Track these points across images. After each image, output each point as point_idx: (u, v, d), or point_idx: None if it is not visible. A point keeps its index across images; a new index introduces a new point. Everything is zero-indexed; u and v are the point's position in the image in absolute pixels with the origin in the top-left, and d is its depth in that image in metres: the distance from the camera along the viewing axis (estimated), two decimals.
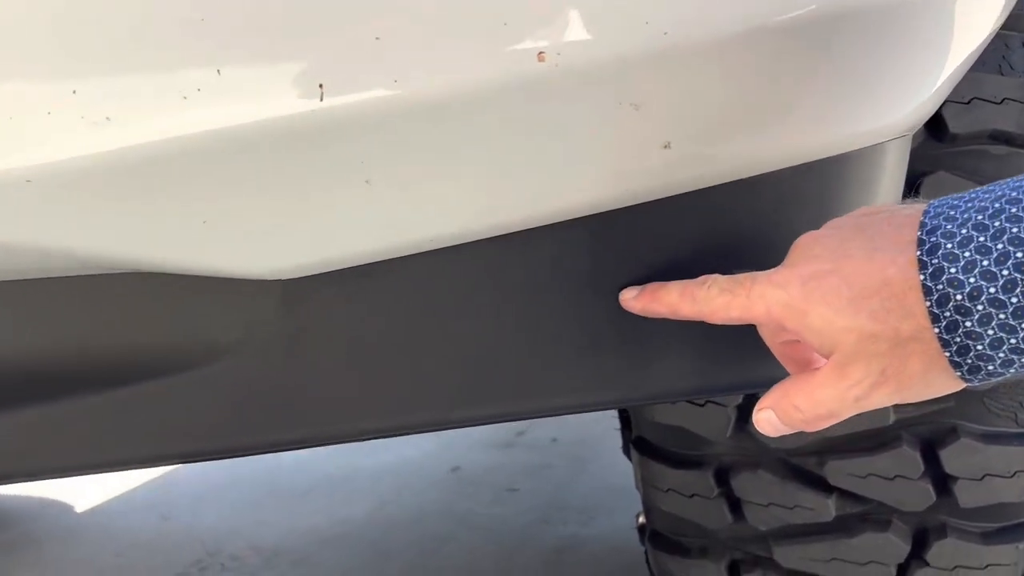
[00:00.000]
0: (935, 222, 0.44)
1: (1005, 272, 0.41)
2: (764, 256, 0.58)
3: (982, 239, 0.42)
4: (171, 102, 0.43)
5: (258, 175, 0.47)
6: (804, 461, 0.87)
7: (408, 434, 0.59)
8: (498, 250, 0.53)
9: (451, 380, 0.56)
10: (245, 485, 2.14)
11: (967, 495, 0.83)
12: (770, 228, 0.58)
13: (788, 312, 0.47)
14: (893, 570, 0.88)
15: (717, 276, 0.51)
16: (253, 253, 0.51)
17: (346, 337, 0.56)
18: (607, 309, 0.56)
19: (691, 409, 0.88)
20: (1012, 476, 0.83)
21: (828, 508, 0.87)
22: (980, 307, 0.41)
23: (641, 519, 1.15)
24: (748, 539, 0.93)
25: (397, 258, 0.54)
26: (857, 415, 0.81)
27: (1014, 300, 0.41)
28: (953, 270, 0.42)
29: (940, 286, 0.42)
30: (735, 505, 0.92)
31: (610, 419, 2.41)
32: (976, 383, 0.46)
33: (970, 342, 0.42)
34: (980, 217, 0.42)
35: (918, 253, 0.43)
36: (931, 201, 0.46)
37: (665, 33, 0.46)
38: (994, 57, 0.79)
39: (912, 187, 0.78)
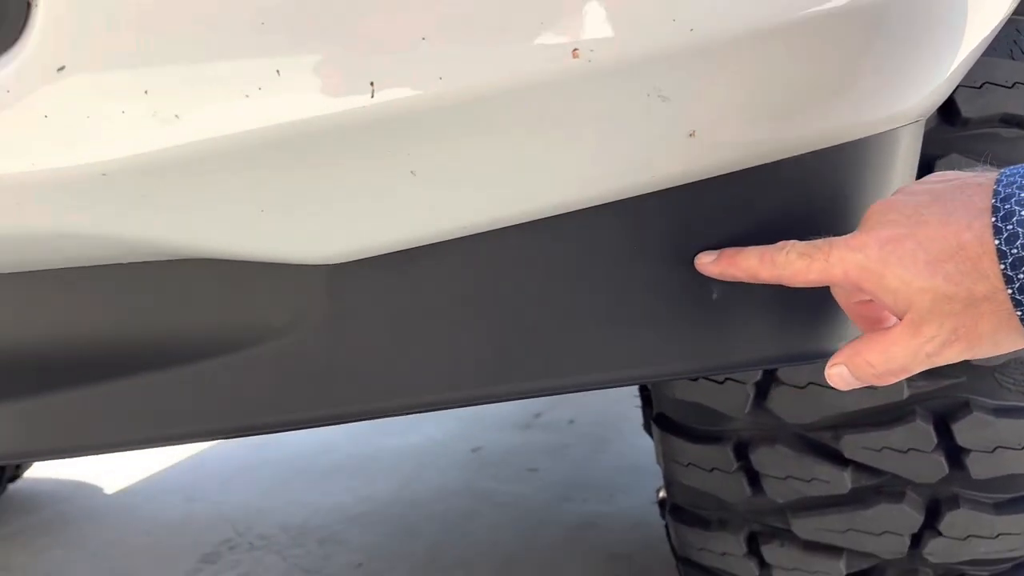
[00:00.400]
0: (1008, 190, 0.47)
1: None
2: (784, 237, 0.61)
3: None
4: (234, 100, 0.46)
5: (312, 167, 0.50)
6: (820, 435, 0.90)
7: (450, 408, 0.62)
8: (535, 234, 0.56)
9: (491, 357, 0.59)
10: (271, 466, 2.19)
11: (979, 467, 0.86)
12: (789, 211, 0.61)
13: (865, 274, 0.50)
14: (907, 540, 0.91)
15: (795, 242, 0.54)
16: (305, 240, 0.54)
17: (388, 318, 0.59)
18: (632, 289, 0.60)
19: (711, 386, 0.91)
20: (1023, 448, 0.85)
21: (844, 481, 0.90)
22: None
23: (662, 494, 1.18)
24: (766, 511, 0.96)
25: (437, 243, 0.57)
26: (871, 391, 0.84)
27: None
28: None
29: (1015, 250, 0.45)
30: (754, 478, 0.95)
31: (627, 401, 2.44)
32: None
33: None
34: None
35: (993, 219, 0.46)
36: (1002, 170, 0.49)
37: (691, 29, 0.49)
38: (1005, 42, 0.81)
39: (926, 171, 0.80)
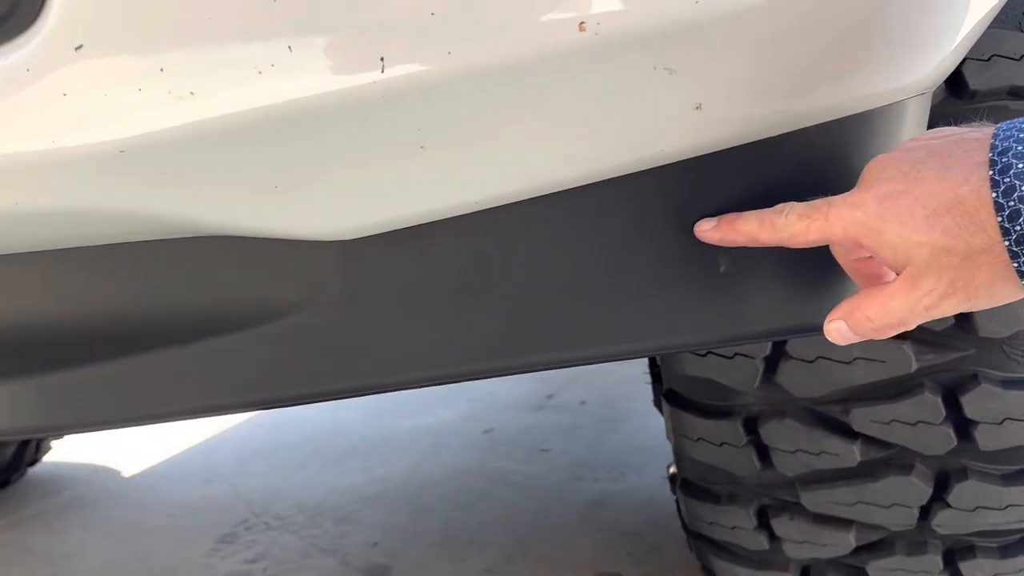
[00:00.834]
0: (1005, 144, 0.47)
1: None
2: None
3: None
4: (248, 77, 0.47)
5: (324, 143, 0.51)
6: (829, 409, 0.90)
7: (464, 380, 0.63)
8: (543, 209, 0.57)
9: (502, 330, 0.60)
10: (286, 449, 2.21)
11: (987, 439, 0.86)
12: (796, 184, 0.61)
13: (864, 231, 0.51)
14: (916, 512, 0.92)
15: (793, 203, 0.55)
16: (317, 216, 0.55)
17: (401, 293, 0.60)
18: (640, 262, 0.60)
19: (720, 361, 0.91)
20: None
21: (853, 453, 0.90)
22: None
23: (672, 469, 1.20)
24: (776, 485, 0.97)
25: (449, 218, 0.58)
26: (880, 364, 0.85)
27: None
28: None
29: (1012, 203, 0.46)
30: (763, 452, 0.95)
31: (637, 382, 2.45)
32: None
33: None
34: None
35: (990, 172, 0.47)
36: (998, 124, 0.50)
37: (696, 2, 0.49)
38: (1013, 14, 0.81)
39: None
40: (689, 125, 0.55)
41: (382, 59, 0.48)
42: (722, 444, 0.97)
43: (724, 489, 1.02)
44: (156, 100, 0.47)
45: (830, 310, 0.63)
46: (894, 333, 0.53)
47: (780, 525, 0.99)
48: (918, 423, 0.87)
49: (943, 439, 0.87)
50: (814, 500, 0.95)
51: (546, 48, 0.49)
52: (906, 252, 0.49)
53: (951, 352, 0.85)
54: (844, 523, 0.96)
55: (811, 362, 0.87)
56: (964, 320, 0.83)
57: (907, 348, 0.84)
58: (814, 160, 0.61)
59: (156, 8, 0.46)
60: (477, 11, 0.48)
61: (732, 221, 0.57)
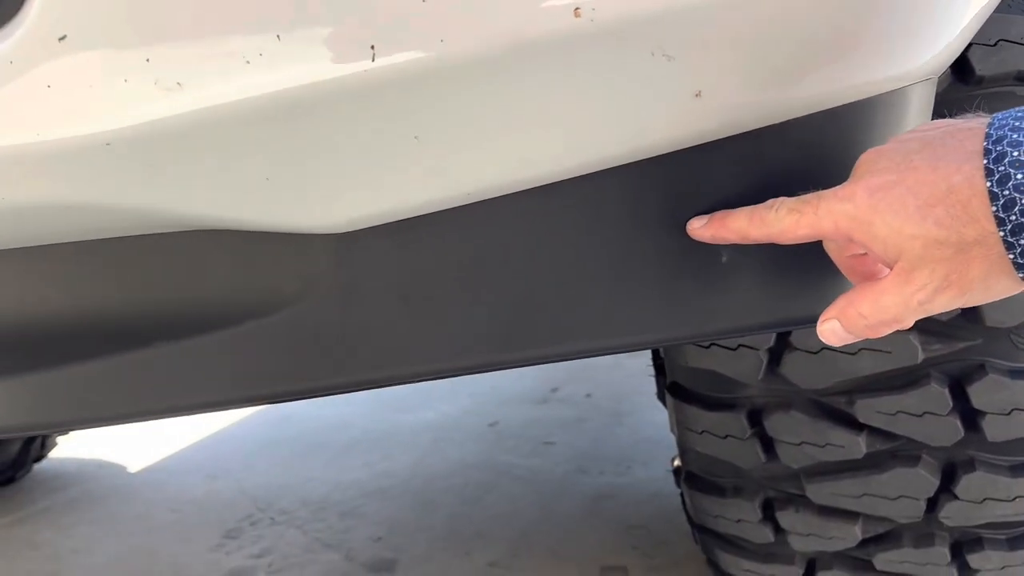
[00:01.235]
0: (1000, 132, 0.46)
1: None
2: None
3: None
4: (236, 67, 0.46)
5: (315, 134, 0.50)
6: (834, 400, 0.89)
7: (461, 375, 0.62)
8: (538, 200, 0.56)
9: (500, 323, 0.59)
10: (290, 444, 2.21)
11: (995, 429, 0.85)
12: (798, 173, 0.60)
13: (855, 224, 0.49)
14: (923, 504, 0.91)
15: (783, 198, 0.53)
16: (310, 208, 0.55)
17: (397, 285, 0.59)
18: (640, 253, 0.59)
19: (724, 353, 0.90)
20: None
21: (859, 445, 0.89)
22: None
23: (676, 462, 1.19)
24: (781, 477, 0.96)
25: (444, 210, 0.57)
26: (886, 355, 0.83)
27: None
28: (1020, 176, 0.44)
29: (1007, 192, 0.44)
30: (768, 445, 0.94)
31: (642, 375, 2.44)
32: None
33: None
34: None
35: (985, 161, 0.45)
36: (994, 114, 0.48)
37: None
38: None
39: None
40: (689, 113, 0.54)
41: (373, 47, 0.47)
42: (726, 437, 0.96)
43: (729, 482, 1.01)
44: (142, 91, 0.46)
45: (834, 299, 0.62)
46: (889, 331, 0.52)
47: (786, 518, 0.98)
48: (925, 414, 0.86)
49: (950, 430, 0.86)
50: (820, 492, 0.94)
51: (541, 35, 0.48)
52: (898, 245, 0.48)
53: (958, 342, 0.84)
54: (850, 515, 0.95)
55: (816, 353, 0.86)
56: (971, 310, 0.82)
57: (913, 338, 0.83)
58: (818, 148, 0.60)
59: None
60: None
61: (722, 218, 0.56)
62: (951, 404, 0.85)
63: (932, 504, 0.91)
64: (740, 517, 1.01)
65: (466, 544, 1.55)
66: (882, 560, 0.97)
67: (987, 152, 0.46)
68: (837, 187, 0.51)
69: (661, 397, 1.30)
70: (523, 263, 0.59)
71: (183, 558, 1.61)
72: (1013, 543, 0.94)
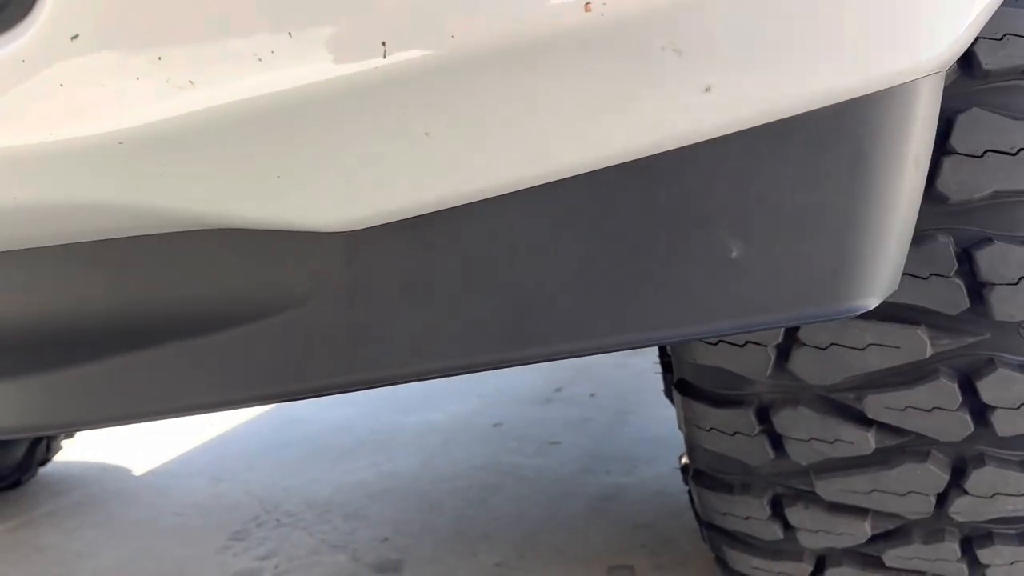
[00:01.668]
0: None
1: None
2: (801, 193, 0.60)
3: None
4: (247, 65, 0.46)
5: (326, 131, 0.50)
6: (843, 396, 0.89)
7: (470, 373, 0.62)
8: (548, 196, 0.56)
9: (508, 320, 0.59)
10: (295, 446, 2.21)
11: (1005, 424, 0.85)
12: (806, 167, 0.60)
13: None
14: (932, 499, 0.90)
15: None
16: (321, 206, 0.55)
17: (405, 284, 0.59)
18: (649, 249, 0.59)
19: (731, 349, 0.90)
20: None
21: (868, 441, 0.89)
22: None
23: (684, 460, 1.19)
24: (790, 474, 0.96)
25: (453, 207, 0.57)
26: (895, 350, 0.83)
27: None
28: None
29: None
30: (776, 441, 0.94)
31: (647, 374, 2.44)
32: None
33: None
34: None
35: None
36: None
37: None
38: None
39: (946, 125, 0.79)
40: (698, 107, 0.54)
41: (384, 44, 0.47)
42: (735, 433, 0.96)
43: (737, 479, 1.01)
44: (155, 90, 0.46)
45: (844, 293, 0.62)
46: None
47: (794, 515, 0.97)
48: (934, 409, 0.86)
49: (959, 425, 0.86)
50: (829, 489, 0.93)
51: (551, 30, 0.48)
52: None
53: (967, 336, 0.83)
54: (859, 512, 0.94)
55: (824, 349, 0.86)
56: (979, 304, 0.82)
57: (921, 333, 0.83)
58: (827, 142, 0.60)
59: None
60: None
61: None
62: (960, 399, 0.85)
63: (942, 500, 0.91)
64: (749, 514, 1.01)
65: (472, 545, 1.55)
66: (892, 556, 0.96)
67: None
68: None
69: (668, 394, 1.29)
70: (532, 260, 0.59)
71: (188, 561, 1.60)
72: None
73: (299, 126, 0.49)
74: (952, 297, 0.81)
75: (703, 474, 1.05)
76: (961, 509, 0.90)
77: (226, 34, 0.46)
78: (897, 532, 0.96)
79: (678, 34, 0.50)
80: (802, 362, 0.88)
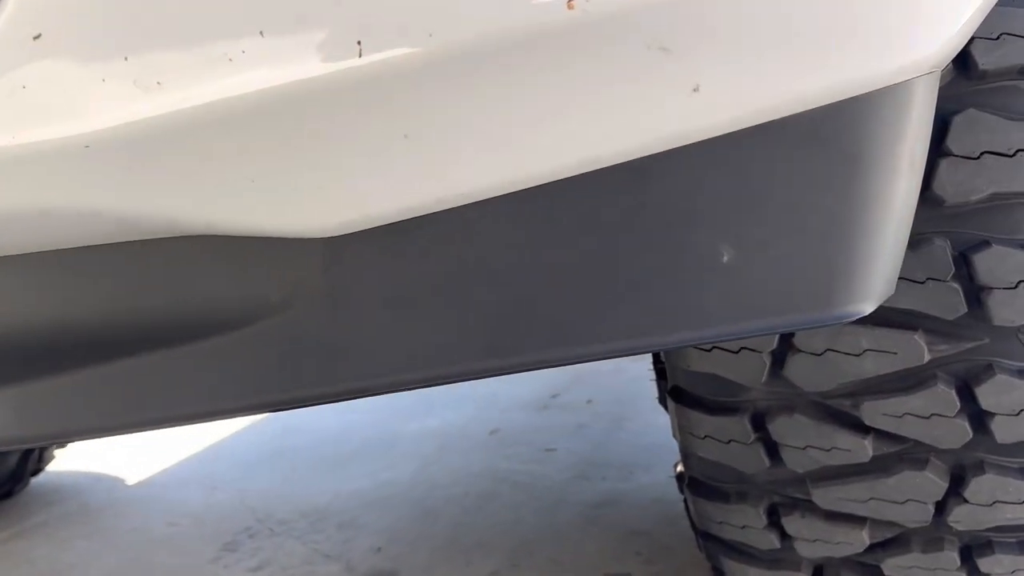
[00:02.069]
0: None
1: None
2: (793, 196, 0.59)
3: None
4: (217, 65, 0.45)
5: (301, 133, 0.48)
6: (839, 403, 0.87)
7: (453, 382, 0.61)
8: (532, 200, 0.54)
9: (493, 328, 0.57)
10: (290, 453, 2.19)
11: (1004, 431, 0.83)
12: (798, 170, 0.59)
13: None
14: (931, 507, 0.89)
15: None
16: (297, 212, 0.53)
17: (386, 291, 0.58)
18: (638, 254, 0.58)
19: (725, 356, 0.89)
20: None
21: (865, 448, 0.87)
22: None
23: (679, 468, 1.17)
24: (786, 482, 0.94)
25: (435, 212, 0.55)
26: (891, 356, 0.82)
27: None
28: None
29: None
30: (772, 449, 0.93)
31: (644, 379, 2.43)
32: None
33: None
34: None
35: None
36: None
37: None
38: None
39: (942, 126, 0.78)
40: (686, 108, 0.53)
41: (359, 43, 0.45)
42: (730, 441, 0.94)
43: (733, 487, 0.99)
44: (121, 91, 0.45)
45: (838, 298, 0.60)
46: None
47: (791, 523, 0.96)
48: (932, 416, 0.84)
49: (958, 432, 0.84)
50: (826, 497, 0.92)
51: (533, 28, 0.46)
52: None
53: (965, 342, 0.82)
54: (857, 520, 0.93)
55: (819, 355, 0.85)
56: (977, 308, 0.80)
57: (919, 338, 0.82)
58: (819, 143, 0.59)
59: None
60: None
61: None
62: (959, 405, 0.83)
63: (941, 508, 0.89)
64: (745, 523, 0.99)
65: (467, 553, 1.53)
66: (891, 565, 0.95)
67: None
68: None
69: (662, 401, 1.28)
70: (519, 265, 0.57)
71: (180, 572, 1.59)
72: None
73: (272, 129, 0.47)
74: (949, 301, 0.80)
75: (698, 482, 1.03)
76: (960, 517, 0.89)
77: (195, 33, 0.44)
78: (896, 541, 0.94)
79: (665, 32, 0.48)
80: (797, 368, 0.86)
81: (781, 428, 0.90)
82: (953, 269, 0.79)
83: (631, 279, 0.59)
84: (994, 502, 0.87)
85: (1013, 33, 0.77)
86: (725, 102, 0.54)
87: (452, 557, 1.53)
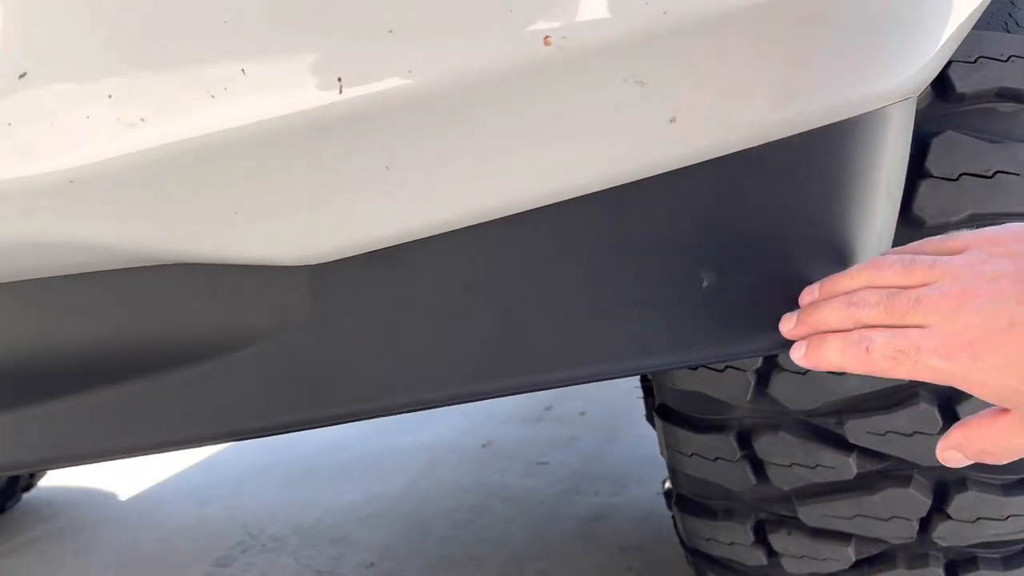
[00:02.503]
0: None
1: None
2: (774, 223, 0.60)
3: None
4: (200, 101, 0.45)
5: (284, 166, 0.49)
6: (824, 421, 0.88)
7: (438, 407, 0.61)
8: (515, 228, 0.55)
9: (476, 353, 0.58)
10: (283, 467, 2.19)
11: None
12: (777, 196, 0.60)
13: (960, 382, 0.47)
14: (916, 524, 0.90)
15: (875, 336, 0.50)
16: (282, 241, 0.54)
17: (371, 317, 0.58)
18: (619, 280, 0.59)
19: (711, 374, 0.89)
20: None
21: (849, 466, 0.88)
22: None
23: (667, 484, 1.18)
24: (772, 499, 0.95)
25: (418, 240, 0.56)
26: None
27: None
28: None
29: None
30: (758, 467, 0.93)
31: (636, 391, 2.43)
32: None
33: None
34: None
35: None
36: None
37: (665, 12, 0.48)
38: (999, 15, 0.79)
39: (921, 148, 0.79)
40: (664, 138, 0.54)
41: (340, 79, 0.46)
42: (716, 459, 0.95)
43: (720, 504, 1.00)
44: (105, 128, 0.45)
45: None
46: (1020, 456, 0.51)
47: (778, 540, 0.96)
48: (914, 434, 0.85)
49: None
50: (811, 514, 0.92)
51: (510, 64, 0.47)
52: (1013, 400, 0.46)
53: None
54: (843, 537, 0.93)
55: (803, 374, 0.85)
56: None
57: None
58: (797, 170, 0.60)
59: (102, 33, 0.44)
60: (437, 28, 0.46)
61: (817, 348, 0.54)
62: (941, 423, 0.84)
63: (925, 524, 0.90)
64: (732, 540, 1.00)
65: (459, 569, 1.53)
66: None
67: None
68: (930, 332, 0.48)
69: (650, 419, 1.29)
70: (502, 291, 0.58)
71: None
72: (1008, 562, 0.93)
73: (255, 162, 0.48)
74: None
75: (686, 500, 1.04)
76: (944, 534, 0.90)
77: (178, 71, 0.45)
78: (881, 557, 0.95)
79: (640, 66, 0.49)
80: (782, 387, 0.87)
81: (767, 446, 0.91)
82: None
83: (612, 304, 0.59)
84: (977, 518, 0.88)
85: (990, 56, 0.78)
86: (702, 132, 0.55)
87: (443, 573, 1.53)
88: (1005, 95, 0.79)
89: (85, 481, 2.23)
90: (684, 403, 0.95)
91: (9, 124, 0.45)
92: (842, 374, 0.84)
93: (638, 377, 2.45)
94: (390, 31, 0.46)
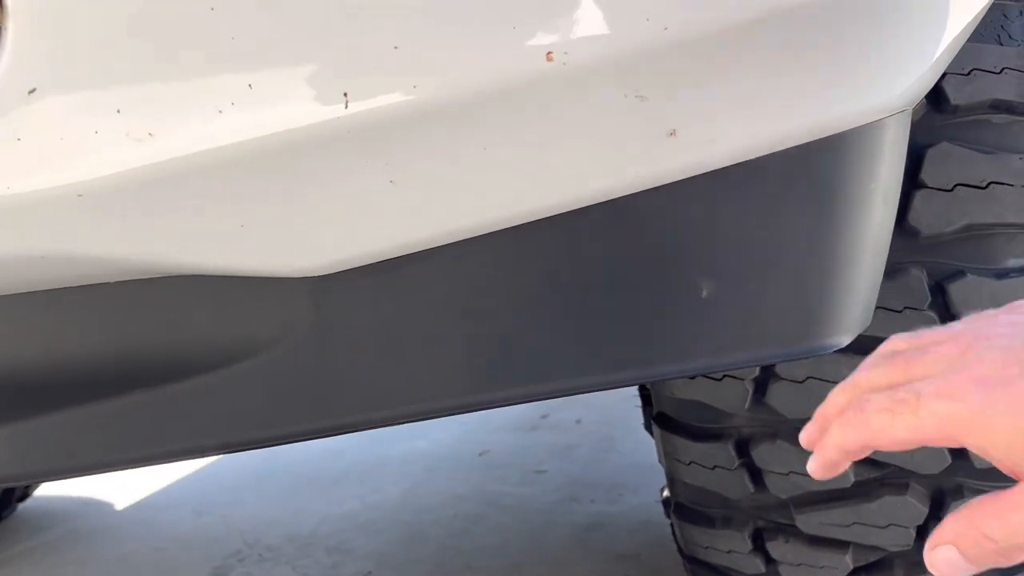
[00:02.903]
0: None
1: None
2: (771, 233, 0.60)
3: None
4: (207, 116, 0.46)
5: (290, 180, 0.50)
6: None
7: (440, 416, 0.62)
8: (518, 239, 0.56)
9: (477, 363, 0.59)
10: (279, 477, 2.19)
11: (981, 456, 0.85)
12: (774, 208, 0.60)
13: (968, 428, 0.39)
14: (912, 532, 0.90)
15: (873, 395, 0.44)
16: (286, 253, 0.54)
17: (374, 328, 0.59)
18: (619, 291, 0.59)
19: (709, 383, 0.90)
20: None
21: (846, 474, 0.89)
22: None
23: (665, 493, 1.18)
24: (770, 507, 0.95)
25: (420, 251, 0.57)
26: None
27: None
28: None
29: None
30: (756, 475, 0.94)
31: (634, 399, 2.43)
32: None
33: None
34: None
35: None
36: None
37: (665, 28, 0.48)
38: (992, 27, 0.80)
39: (916, 159, 0.80)
40: (664, 151, 0.54)
41: (345, 94, 0.47)
42: (714, 467, 0.95)
43: (718, 512, 1.00)
44: (113, 142, 0.46)
45: (814, 332, 0.62)
46: None
47: (776, 548, 0.97)
48: None
49: (937, 458, 0.86)
50: (809, 522, 0.93)
51: (513, 79, 0.48)
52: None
53: None
54: (840, 545, 0.94)
55: (801, 382, 0.86)
56: None
57: None
58: (793, 181, 0.61)
59: (111, 49, 0.45)
60: (441, 44, 0.47)
61: (823, 447, 0.48)
62: None
63: (922, 532, 0.91)
64: (730, 548, 1.00)
65: None
66: None
67: None
68: (934, 380, 0.42)
69: (648, 428, 1.29)
70: (504, 301, 0.59)
71: None
72: (1005, 570, 0.93)
73: (261, 176, 0.49)
74: None
75: (684, 508, 1.04)
76: None
77: (185, 86, 0.46)
78: (879, 565, 0.95)
79: (641, 81, 0.50)
80: (779, 396, 0.87)
81: (764, 454, 0.91)
82: (929, 298, 0.80)
83: (612, 314, 0.60)
84: None
85: (983, 69, 0.79)
86: (701, 144, 0.55)
87: None
88: (998, 107, 0.80)
89: (81, 491, 2.23)
90: (682, 412, 0.96)
91: (19, 139, 0.46)
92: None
93: (636, 385, 2.46)
94: (395, 47, 0.46)
